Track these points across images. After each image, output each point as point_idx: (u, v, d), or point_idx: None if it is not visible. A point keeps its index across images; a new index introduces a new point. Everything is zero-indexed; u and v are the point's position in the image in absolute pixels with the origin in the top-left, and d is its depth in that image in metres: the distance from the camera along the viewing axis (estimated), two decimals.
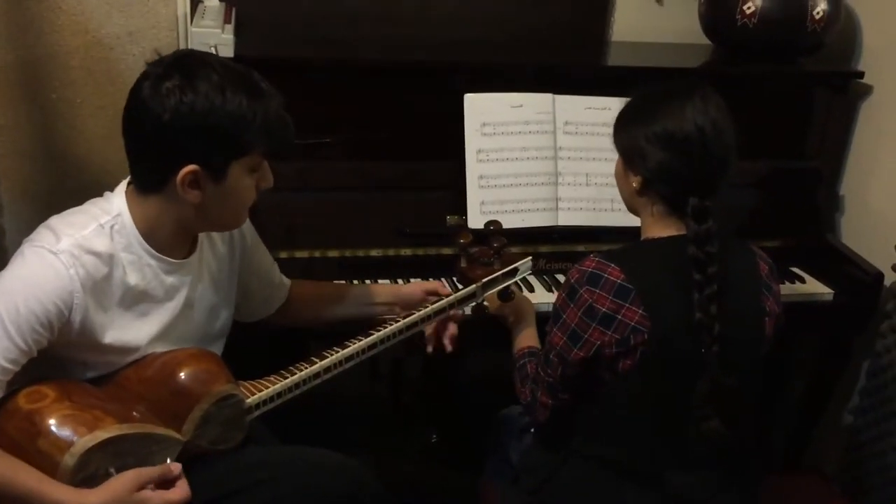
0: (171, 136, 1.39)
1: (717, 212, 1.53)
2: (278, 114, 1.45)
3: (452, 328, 1.84)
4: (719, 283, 1.51)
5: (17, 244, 1.47)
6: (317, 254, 2.11)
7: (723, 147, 1.55)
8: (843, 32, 2.51)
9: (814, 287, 2.32)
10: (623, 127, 1.62)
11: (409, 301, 1.84)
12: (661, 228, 1.60)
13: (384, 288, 1.94)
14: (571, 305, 1.56)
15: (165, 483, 1.42)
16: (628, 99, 1.68)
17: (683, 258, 1.52)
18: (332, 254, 2.12)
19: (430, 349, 1.85)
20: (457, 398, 2.71)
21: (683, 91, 1.57)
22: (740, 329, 1.57)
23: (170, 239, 1.52)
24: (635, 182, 1.59)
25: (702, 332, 1.51)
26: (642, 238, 1.65)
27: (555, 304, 1.63)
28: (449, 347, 1.84)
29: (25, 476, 1.34)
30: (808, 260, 2.39)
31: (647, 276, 1.54)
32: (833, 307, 2.30)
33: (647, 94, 1.62)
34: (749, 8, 2.38)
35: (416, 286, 1.89)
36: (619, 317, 1.52)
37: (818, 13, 2.36)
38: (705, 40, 2.59)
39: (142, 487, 1.38)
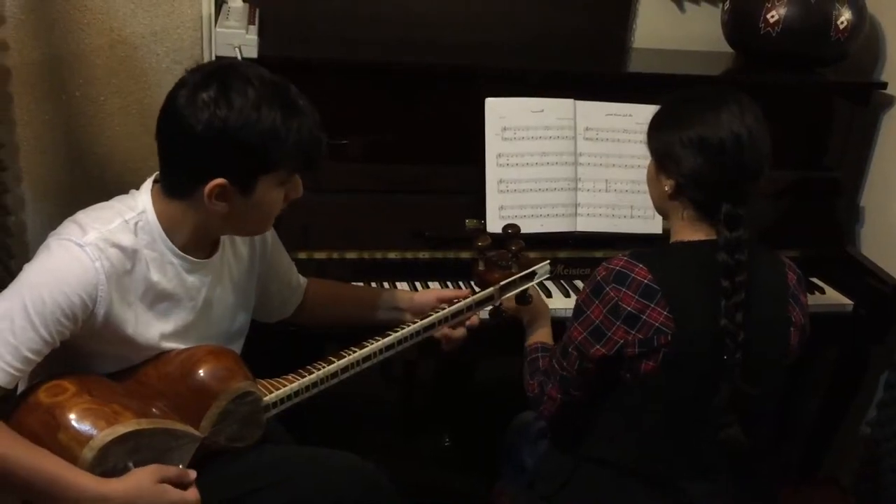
0: (201, 149, 1.39)
1: (749, 219, 1.53)
2: (312, 132, 1.44)
3: (459, 331, 1.82)
4: (746, 291, 1.51)
5: (39, 239, 1.48)
6: (335, 255, 2.11)
7: (757, 155, 1.54)
8: (866, 43, 2.50)
9: (833, 298, 2.31)
10: (658, 130, 1.62)
11: (422, 309, 1.84)
12: (691, 233, 1.60)
13: (399, 294, 1.93)
14: (596, 302, 1.56)
15: (181, 486, 1.43)
16: (655, 105, 1.68)
17: (712, 263, 1.52)
18: (351, 255, 2.13)
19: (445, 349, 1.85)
20: (470, 402, 2.71)
21: (721, 97, 1.57)
22: (765, 338, 1.57)
23: (193, 239, 1.52)
24: (667, 186, 1.59)
25: (726, 339, 1.50)
26: (671, 241, 1.64)
27: (577, 300, 1.63)
28: (445, 347, 1.82)
29: (48, 463, 1.35)
30: (828, 271, 2.38)
31: (675, 278, 1.54)
32: (852, 318, 2.29)
33: (684, 98, 1.62)
34: (773, 17, 2.37)
35: (431, 295, 1.89)
36: (644, 317, 1.51)
37: (842, 23, 2.35)
38: (727, 48, 2.58)
39: (162, 482, 1.40)
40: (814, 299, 2.27)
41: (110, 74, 2.18)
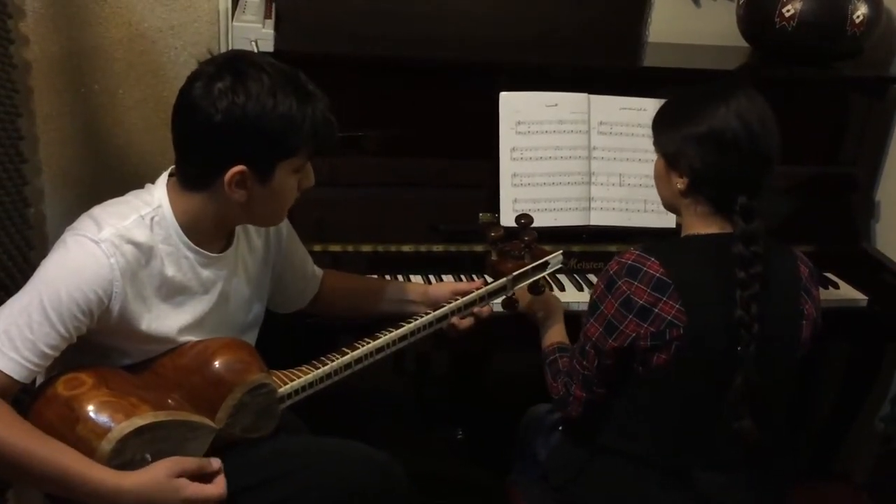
0: (221, 137, 1.41)
1: (763, 211, 1.54)
2: (325, 116, 1.47)
3: (468, 320, 1.84)
4: (760, 283, 1.51)
5: (58, 231, 1.50)
6: (350, 248, 2.13)
7: (770, 144, 1.55)
8: (883, 37, 2.49)
9: (848, 293, 2.30)
10: (666, 129, 1.61)
11: (436, 302, 1.85)
12: (704, 226, 1.60)
13: (414, 286, 1.95)
14: (609, 297, 1.57)
15: (203, 477, 1.45)
16: (665, 100, 1.68)
17: (725, 256, 1.53)
18: (365, 248, 2.14)
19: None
20: (484, 396, 2.72)
21: (728, 90, 1.56)
22: (777, 331, 1.57)
23: (209, 233, 1.54)
24: (680, 183, 1.59)
25: (741, 330, 1.51)
26: (683, 235, 1.65)
27: (592, 297, 1.64)
28: (451, 336, 1.83)
29: (65, 457, 1.37)
30: (843, 266, 2.37)
31: (687, 271, 1.54)
32: (867, 314, 2.28)
33: (689, 94, 1.62)
34: (788, 11, 2.36)
35: (446, 287, 1.90)
36: (656, 310, 1.52)
37: (858, 17, 2.34)
38: (743, 43, 2.58)
39: (179, 476, 1.41)
40: (828, 294, 2.27)
41: (128, 68, 2.20)
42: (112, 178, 2.26)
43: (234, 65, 1.42)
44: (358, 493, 1.61)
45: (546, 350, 1.84)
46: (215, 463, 1.47)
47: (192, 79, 1.43)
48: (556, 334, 1.88)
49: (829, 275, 2.35)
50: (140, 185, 1.58)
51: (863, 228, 2.50)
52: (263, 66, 1.43)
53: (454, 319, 1.81)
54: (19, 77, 2.09)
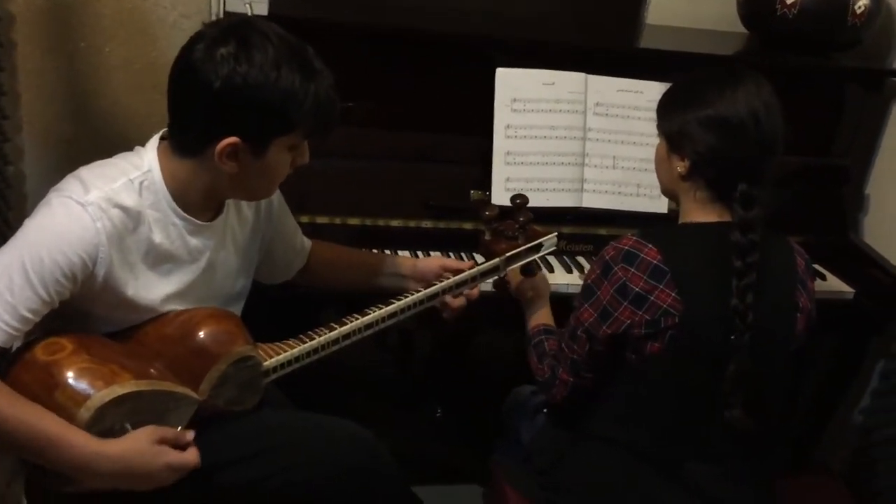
0: (218, 105, 1.36)
1: (763, 200, 1.52)
2: (328, 95, 1.42)
3: (460, 300, 1.81)
4: (757, 273, 1.50)
5: (38, 190, 1.45)
6: (337, 220, 2.10)
7: (774, 133, 1.54)
8: (882, 29, 2.47)
9: (834, 285, 2.30)
10: (670, 111, 1.60)
11: (425, 276, 1.83)
12: (702, 214, 1.59)
13: (402, 260, 1.92)
14: (605, 282, 1.55)
15: (178, 447, 1.43)
16: (666, 83, 1.67)
17: (722, 245, 1.51)
18: (353, 221, 2.11)
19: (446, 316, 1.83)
20: (466, 374, 2.71)
21: (737, 75, 1.56)
22: (772, 322, 1.56)
23: (198, 201, 1.50)
24: (681, 167, 1.58)
25: (735, 319, 1.49)
26: (680, 222, 1.63)
27: (586, 281, 1.62)
28: (446, 315, 1.81)
29: (48, 422, 1.33)
30: (830, 258, 2.37)
31: (685, 259, 1.53)
32: (853, 306, 2.28)
33: (697, 78, 1.61)
34: None
35: (434, 262, 1.87)
36: (652, 298, 1.51)
37: (859, 8, 2.33)
38: (742, 28, 2.55)
39: (161, 443, 1.39)
40: (815, 286, 2.26)
41: (117, 26, 2.14)
42: (95, 139, 2.20)
43: (240, 31, 1.37)
44: (344, 472, 1.59)
45: (532, 332, 1.82)
46: (189, 434, 1.45)
47: (195, 40, 1.38)
48: (541, 316, 1.86)
49: (816, 266, 2.34)
50: (125, 147, 1.53)
51: (852, 221, 2.51)
52: (270, 37, 1.37)
53: (447, 299, 1.78)
54: (2, 30, 2.02)
